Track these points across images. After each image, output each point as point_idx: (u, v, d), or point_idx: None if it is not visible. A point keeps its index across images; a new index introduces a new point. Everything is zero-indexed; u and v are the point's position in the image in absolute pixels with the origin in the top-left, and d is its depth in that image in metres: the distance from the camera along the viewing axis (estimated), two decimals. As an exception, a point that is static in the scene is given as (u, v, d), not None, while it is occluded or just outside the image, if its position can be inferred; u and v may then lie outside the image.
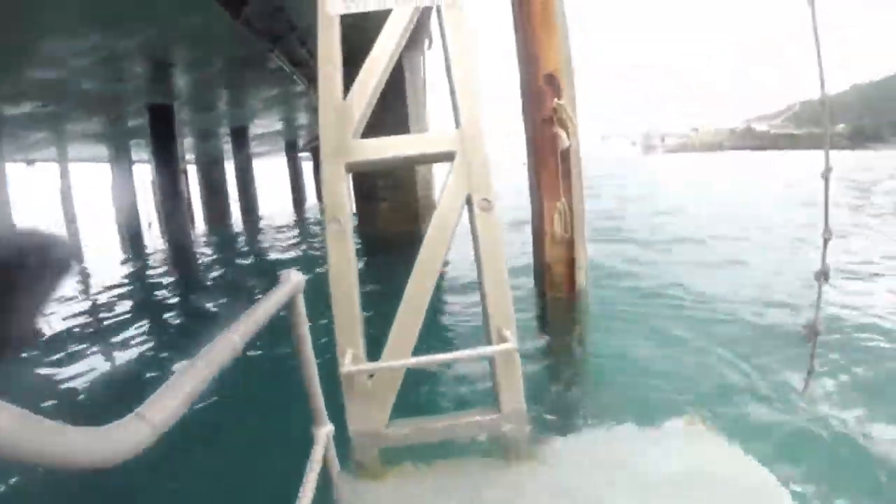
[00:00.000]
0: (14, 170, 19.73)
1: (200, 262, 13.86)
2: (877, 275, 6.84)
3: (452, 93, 3.26)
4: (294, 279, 2.03)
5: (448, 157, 3.14)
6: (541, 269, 5.04)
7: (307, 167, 30.77)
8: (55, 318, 9.57)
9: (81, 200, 21.79)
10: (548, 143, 4.97)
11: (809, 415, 3.53)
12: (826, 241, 2.96)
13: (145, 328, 7.81)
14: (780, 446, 3.19)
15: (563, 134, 4.95)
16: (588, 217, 5.23)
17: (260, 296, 1.72)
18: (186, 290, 10.56)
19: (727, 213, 13.23)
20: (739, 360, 4.49)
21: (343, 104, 3.18)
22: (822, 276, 3.00)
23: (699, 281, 6.94)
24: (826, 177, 2.91)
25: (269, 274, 11.08)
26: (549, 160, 4.92)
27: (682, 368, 4.41)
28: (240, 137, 20.25)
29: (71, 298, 10.82)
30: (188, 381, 1.08)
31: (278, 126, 21.34)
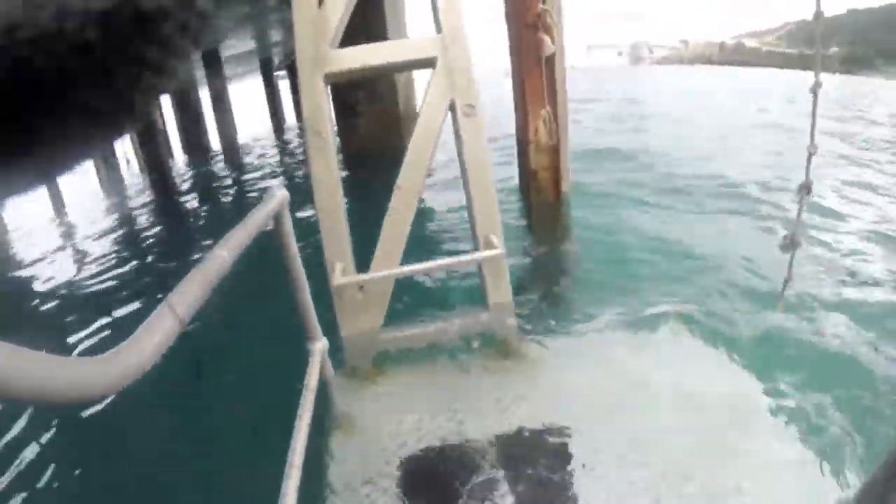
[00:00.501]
0: None
1: (182, 193, 13.70)
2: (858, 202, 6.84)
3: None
4: (279, 194, 2.00)
5: (430, 63, 3.06)
6: (526, 177, 5.01)
7: (284, 86, 29.74)
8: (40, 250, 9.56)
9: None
10: (532, 49, 4.82)
11: (783, 320, 3.60)
12: (810, 155, 2.94)
13: (133, 264, 7.79)
14: (754, 348, 3.28)
15: (547, 39, 4.80)
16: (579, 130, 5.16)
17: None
18: (171, 224, 10.47)
19: (715, 125, 13.09)
20: (719, 262, 4.54)
21: (319, 13, 3.05)
22: (805, 189, 3.00)
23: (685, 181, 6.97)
24: (815, 91, 2.87)
25: (251, 201, 11.01)
26: (534, 67, 4.79)
27: (667, 270, 4.47)
28: (212, 60, 19.51)
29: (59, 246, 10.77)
30: (183, 298, 1.08)
31: (251, 45, 20.52)
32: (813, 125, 2.89)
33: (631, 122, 13.95)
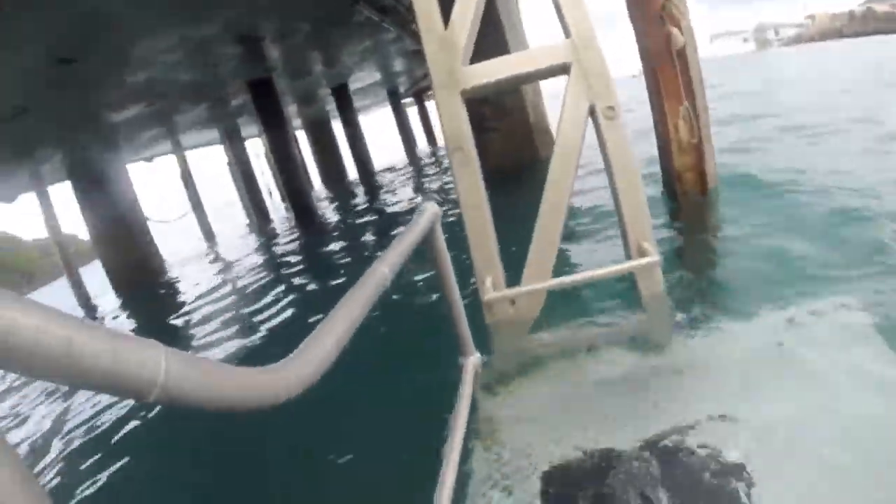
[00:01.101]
0: (136, 168, 21.32)
1: (325, 219, 14.46)
2: None
3: (556, 4, 3.09)
4: (431, 209, 2.03)
5: (563, 69, 3.01)
6: (670, 179, 4.77)
7: (412, 113, 30.95)
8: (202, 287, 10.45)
9: (203, 184, 23.24)
10: (662, 43, 4.61)
11: None
12: None
13: (286, 286, 8.30)
14: None
15: (676, 32, 4.57)
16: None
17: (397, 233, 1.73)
18: (316, 248, 11.04)
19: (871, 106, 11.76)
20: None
21: (446, 34, 3.11)
22: None
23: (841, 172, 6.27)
24: None
25: (392, 219, 11.39)
26: (666, 61, 4.57)
27: (827, 255, 4.00)
28: (341, 94, 20.61)
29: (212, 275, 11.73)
30: (344, 316, 1.11)
31: (377, 77, 21.46)
32: None
33: (772, 112, 12.95)
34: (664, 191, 5.02)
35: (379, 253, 1.54)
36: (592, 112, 2.92)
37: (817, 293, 3.41)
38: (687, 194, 4.62)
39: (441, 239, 2.14)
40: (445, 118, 3.00)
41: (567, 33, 3.04)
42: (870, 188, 5.35)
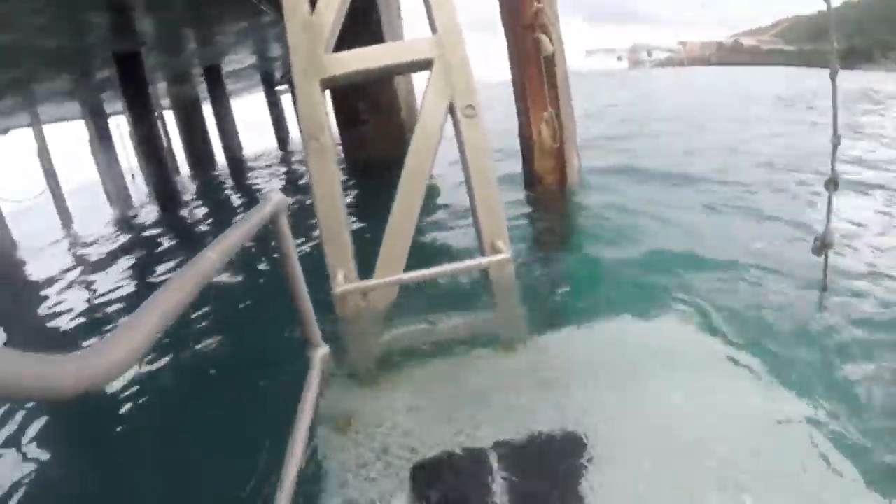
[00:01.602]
0: None
1: (188, 207, 13.72)
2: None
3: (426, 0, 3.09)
4: (275, 199, 1.95)
5: (427, 64, 3.01)
6: (531, 180, 4.95)
7: (287, 101, 29.97)
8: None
9: (61, 161, 21.24)
10: (530, 50, 4.77)
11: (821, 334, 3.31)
12: (835, 147, 2.80)
13: (138, 272, 7.80)
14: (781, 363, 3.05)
15: (545, 39, 4.75)
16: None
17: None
18: (176, 236, 10.47)
19: (722, 125, 12.94)
20: (740, 264, 4.34)
21: (311, 19, 3.02)
22: (832, 183, 2.86)
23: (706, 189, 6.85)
24: (833, 77, 2.75)
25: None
26: (533, 68, 4.74)
27: (682, 271, 4.32)
28: (214, 76, 19.65)
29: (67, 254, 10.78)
30: (165, 301, 1.03)
31: (252, 60, 20.66)
32: (835, 114, 2.76)
33: (636, 125, 13.88)
34: (525, 191, 5.19)
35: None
36: (452, 109, 2.94)
37: (659, 293, 3.69)
38: (546, 195, 4.81)
39: (286, 228, 2.07)
40: (303, 105, 2.91)
41: (434, 29, 3.05)
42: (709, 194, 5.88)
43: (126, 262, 9.25)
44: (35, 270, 10.72)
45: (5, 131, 19.82)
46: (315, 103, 2.91)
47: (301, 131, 2.95)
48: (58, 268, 9.95)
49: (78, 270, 9.50)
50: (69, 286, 8.33)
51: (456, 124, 2.95)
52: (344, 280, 2.80)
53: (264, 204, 1.89)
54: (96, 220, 15.88)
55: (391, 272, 2.84)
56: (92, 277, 8.64)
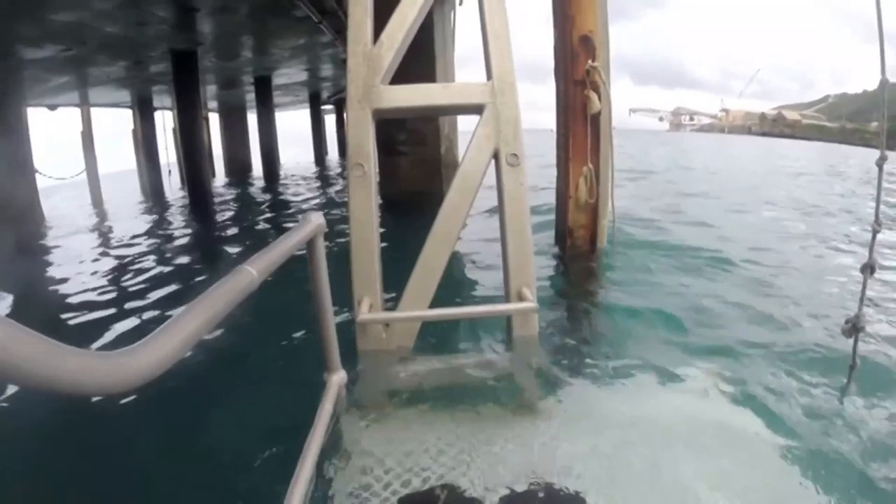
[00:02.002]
0: (36, 114, 19.61)
1: (219, 212, 13.89)
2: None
3: (485, 44, 3.17)
4: (315, 220, 1.99)
5: (477, 109, 3.07)
6: (563, 233, 4.97)
7: (329, 121, 30.57)
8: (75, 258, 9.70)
9: (102, 145, 21.68)
10: (579, 106, 4.83)
11: (850, 414, 3.27)
12: (875, 233, 2.80)
13: (161, 277, 7.86)
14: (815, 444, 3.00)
15: (594, 97, 4.81)
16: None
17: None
18: (203, 242, 10.57)
19: (762, 199, 12.89)
20: (769, 342, 4.28)
21: (372, 50, 3.11)
22: (868, 269, 2.85)
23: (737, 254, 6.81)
24: (880, 164, 2.76)
25: (287, 221, 11.10)
26: (579, 124, 4.79)
27: (706, 339, 4.27)
28: (263, 87, 20.08)
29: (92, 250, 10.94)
30: (202, 311, 1.05)
31: (303, 77, 21.09)
32: (878, 200, 2.77)
33: (674, 188, 13.88)
34: (556, 243, 5.21)
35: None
36: (496, 155, 2.98)
37: (681, 361, 3.64)
38: (576, 249, 4.81)
39: (321, 251, 2.10)
40: (352, 132, 2.97)
41: (489, 76, 3.11)
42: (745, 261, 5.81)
43: (145, 250, 9.36)
44: (55, 249, 10.87)
45: (53, 108, 20.28)
46: (365, 132, 2.97)
47: (347, 157, 3.01)
48: (77, 248, 10.09)
49: (97, 255, 9.61)
50: (84, 268, 8.43)
51: (498, 170, 2.99)
52: (368, 310, 2.82)
53: (305, 224, 1.93)
54: (126, 208, 16.16)
55: (416, 307, 2.85)
56: (108, 264, 8.75)
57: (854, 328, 2.89)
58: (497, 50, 3.13)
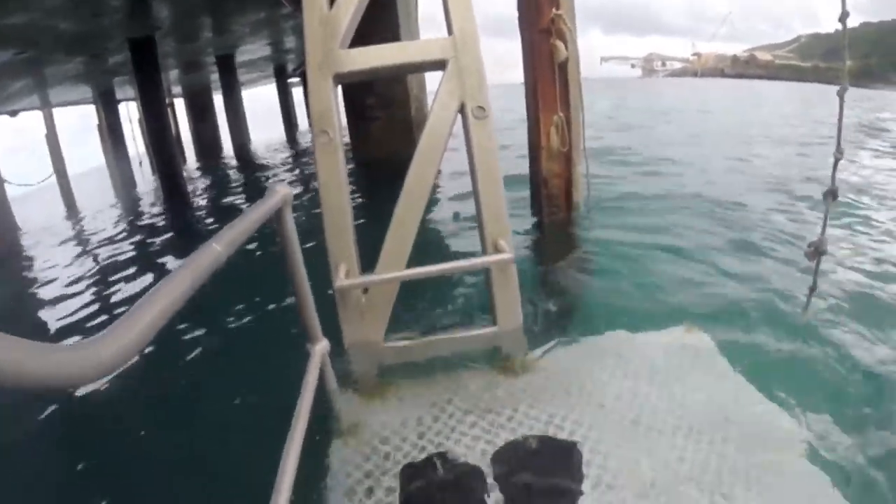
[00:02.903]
0: None
1: (193, 197, 13.73)
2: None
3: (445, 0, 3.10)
4: (281, 191, 1.96)
5: (440, 65, 3.01)
6: (536, 184, 4.95)
7: (297, 93, 30.08)
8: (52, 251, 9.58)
9: (69, 145, 21.26)
10: (545, 54, 4.77)
11: (809, 334, 3.47)
12: (836, 161, 2.87)
13: (142, 273, 7.80)
14: (776, 365, 3.15)
15: (560, 45, 4.75)
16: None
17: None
18: (180, 227, 10.48)
19: (730, 137, 13.00)
20: (742, 277, 4.42)
21: (329, 14, 3.03)
22: (831, 195, 2.92)
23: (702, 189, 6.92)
24: (841, 95, 2.81)
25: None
26: (547, 72, 4.74)
27: (681, 283, 4.37)
28: (226, 65, 19.68)
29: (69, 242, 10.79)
30: (170, 291, 1.03)
31: (266, 51, 20.68)
32: (839, 129, 2.81)
33: (645, 133, 13.90)
34: (531, 196, 5.20)
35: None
36: (462, 110, 2.94)
37: (665, 310, 3.72)
38: (553, 199, 4.81)
39: (290, 222, 2.07)
40: (314, 99, 2.91)
41: (450, 30, 3.05)
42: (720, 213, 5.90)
43: (125, 249, 9.27)
44: (35, 257, 10.74)
45: (14, 113, 19.82)
46: (327, 98, 2.91)
47: (311, 125, 2.96)
48: (57, 253, 9.98)
49: (77, 257, 9.52)
50: (66, 271, 8.35)
51: (466, 125, 2.95)
52: (346, 275, 2.81)
53: (270, 196, 1.90)
54: (100, 206, 15.92)
55: (393, 268, 2.84)
56: (90, 264, 8.66)
57: (816, 251, 2.99)
58: (457, 2, 3.06)
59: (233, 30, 14.98)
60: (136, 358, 0.88)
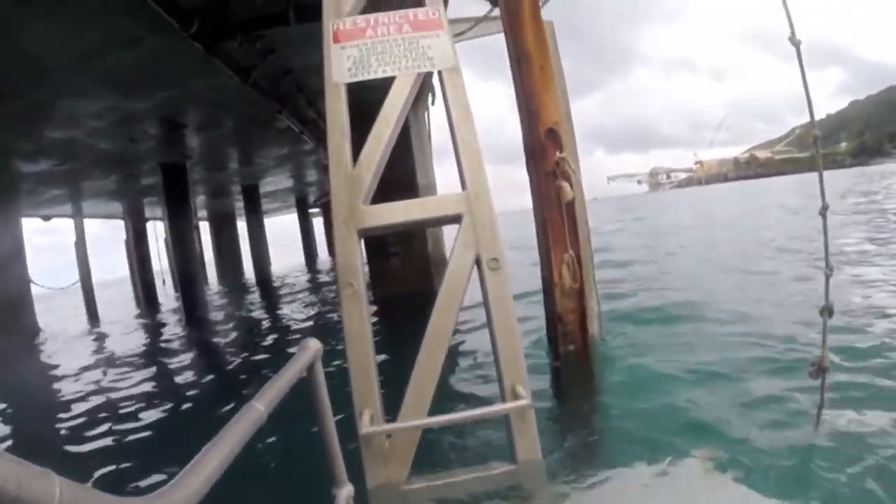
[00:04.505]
0: (30, 225, 19.92)
1: (212, 317, 13.96)
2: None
3: (457, 154, 3.41)
4: (313, 346, 2.12)
5: (456, 219, 3.26)
6: (552, 320, 5.08)
7: (317, 223, 31.29)
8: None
9: (96, 254, 21.92)
10: (552, 195, 5.07)
11: (821, 452, 3.44)
12: (828, 278, 2.99)
13: (160, 384, 7.88)
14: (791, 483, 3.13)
15: (566, 186, 5.05)
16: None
17: (271, 357, 1.81)
18: (200, 351, 10.60)
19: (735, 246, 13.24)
20: (755, 402, 4.43)
21: (353, 172, 3.32)
22: (827, 311, 3.03)
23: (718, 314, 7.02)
24: (823, 213, 2.98)
25: (283, 333, 11.15)
26: (555, 213, 5.01)
27: (698, 412, 4.39)
28: (251, 195, 20.64)
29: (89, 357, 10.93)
30: (218, 453, 1.17)
31: (288, 183, 21.74)
32: (826, 246, 2.95)
33: (656, 254, 14.19)
34: (547, 333, 5.34)
35: (262, 374, 1.60)
36: (478, 261, 3.16)
37: (683, 445, 3.73)
38: (568, 336, 4.93)
39: (321, 374, 2.22)
40: (340, 253, 3.15)
41: (463, 185, 3.33)
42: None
43: (141, 366, 9.38)
44: (49, 361, 10.82)
45: (47, 218, 20.67)
46: (351, 251, 3.15)
47: (337, 278, 3.18)
48: (73, 364, 10.11)
49: (93, 365, 9.62)
50: (79, 384, 8.43)
51: (481, 275, 3.16)
52: (370, 421, 2.92)
53: (303, 351, 2.06)
54: (122, 318, 16.19)
55: (415, 416, 2.95)
56: (98, 376, 8.76)
57: (820, 369, 3.05)
58: (468, 160, 3.36)
59: (258, 162, 15.86)
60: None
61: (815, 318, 3.17)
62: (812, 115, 3.06)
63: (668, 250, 15.17)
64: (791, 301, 7.32)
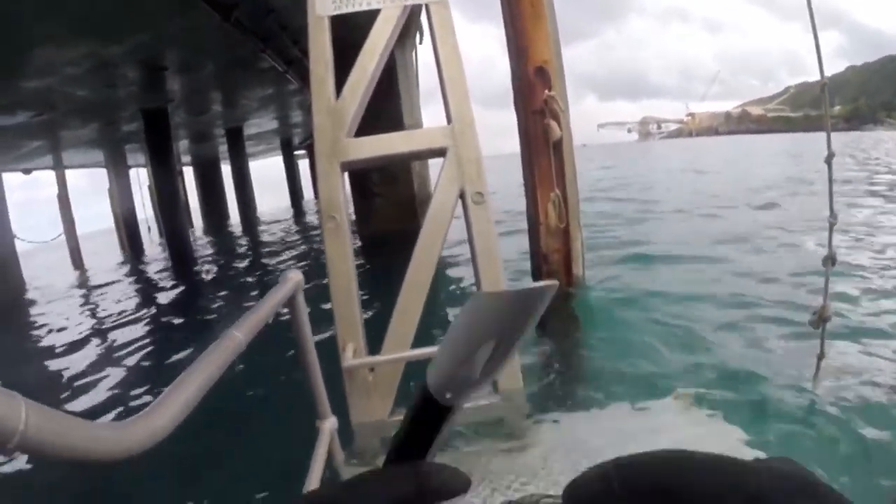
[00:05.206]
0: (11, 179, 19.65)
1: (199, 264, 13.91)
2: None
3: (443, 90, 3.33)
4: (294, 278, 2.10)
5: (440, 153, 3.21)
6: (537, 259, 5.11)
7: (303, 165, 30.90)
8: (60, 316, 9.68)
9: (79, 205, 21.69)
10: (540, 134, 5.01)
11: (819, 402, 3.46)
12: (832, 226, 2.97)
13: (148, 331, 7.89)
14: (786, 434, 3.17)
15: (554, 125, 4.99)
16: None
17: (258, 294, 1.80)
18: (186, 293, 10.60)
19: (728, 197, 13.27)
20: (746, 346, 4.46)
21: (336, 105, 3.24)
22: (829, 261, 3.02)
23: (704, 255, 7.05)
24: (829, 162, 2.93)
25: (268, 272, 11.16)
26: (542, 152, 4.97)
27: (682, 352, 4.44)
28: (235, 138, 20.29)
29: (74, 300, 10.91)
30: (195, 379, 1.15)
31: (273, 125, 21.37)
32: (830, 195, 2.92)
33: (645, 203, 14.19)
34: (532, 272, 5.35)
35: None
36: (462, 195, 3.13)
37: (667, 383, 3.78)
38: (553, 275, 4.95)
39: (302, 306, 2.20)
40: (323, 186, 3.10)
41: (449, 119, 3.27)
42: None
43: (130, 310, 9.38)
44: (37, 315, 10.82)
45: (27, 171, 20.34)
46: (334, 185, 3.10)
47: (319, 210, 3.14)
48: (60, 313, 10.09)
49: (81, 319, 9.61)
50: (67, 332, 8.43)
51: (465, 209, 3.13)
52: (353, 355, 2.93)
53: (284, 283, 2.04)
54: (108, 267, 16.11)
55: (398, 348, 2.96)
56: (87, 328, 8.76)
57: (821, 319, 3.06)
58: (454, 95, 3.29)
59: (241, 104, 15.53)
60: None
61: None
62: (821, 64, 3.00)
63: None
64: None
